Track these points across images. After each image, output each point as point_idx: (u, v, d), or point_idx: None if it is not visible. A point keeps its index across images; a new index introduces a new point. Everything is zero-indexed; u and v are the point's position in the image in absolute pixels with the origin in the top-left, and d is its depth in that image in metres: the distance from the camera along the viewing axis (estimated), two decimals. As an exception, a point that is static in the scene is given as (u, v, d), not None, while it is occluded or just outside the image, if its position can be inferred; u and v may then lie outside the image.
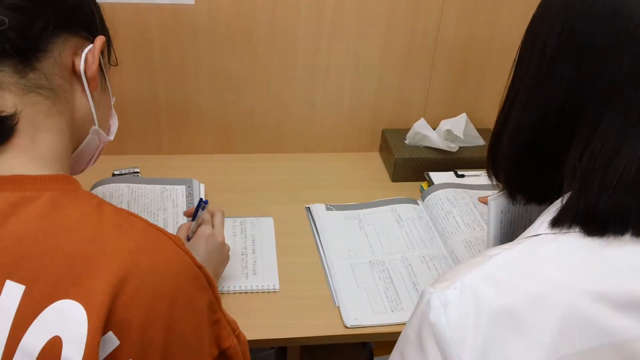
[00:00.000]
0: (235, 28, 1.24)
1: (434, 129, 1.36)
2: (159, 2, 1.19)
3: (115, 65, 0.78)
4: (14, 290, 0.53)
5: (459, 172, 1.31)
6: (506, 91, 0.68)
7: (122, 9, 1.15)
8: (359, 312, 0.99)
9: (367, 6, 1.26)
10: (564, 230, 0.58)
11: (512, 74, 0.67)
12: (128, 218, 0.61)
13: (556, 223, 0.59)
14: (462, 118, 1.38)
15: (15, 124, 0.62)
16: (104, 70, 0.75)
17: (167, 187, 1.22)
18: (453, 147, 1.33)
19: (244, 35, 1.26)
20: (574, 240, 0.57)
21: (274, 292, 1.02)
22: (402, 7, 1.27)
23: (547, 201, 0.68)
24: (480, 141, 1.38)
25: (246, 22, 1.24)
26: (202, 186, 1.24)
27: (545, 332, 0.53)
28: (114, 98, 0.80)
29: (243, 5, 1.22)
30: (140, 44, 1.22)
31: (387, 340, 1.04)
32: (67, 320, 0.53)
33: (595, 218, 0.56)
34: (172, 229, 1.11)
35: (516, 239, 0.62)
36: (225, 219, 1.13)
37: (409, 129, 1.37)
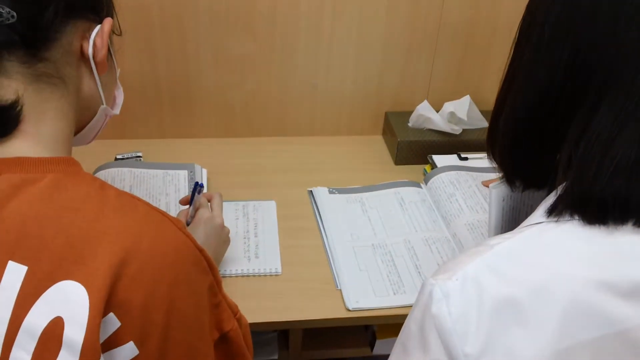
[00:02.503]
0: (236, 9, 1.23)
1: (438, 112, 1.35)
2: (159, -16, 1.18)
3: (119, 34, 0.78)
4: (17, 271, 0.54)
5: (462, 155, 1.30)
6: (505, 72, 0.66)
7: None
8: (361, 295, 0.99)
9: (370, -13, 1.25)
10: (566, 219, 0.57)
11: (511, 54, 0.66)
12: (130, 200, 0.62)
13: (552, 211, 0.58)
14: (466, 100, 1.37)
15: (19, 110, 0.62)
16: (110, 44, 0.74)
17: (170, 171, 1.22)
18: (456, 129, 1.33)
19: (245, 17, 1.24)
20: (575, 229, 0.56)
21: (276, 275, 1.02)
22: (405, -12, 1.26)
23: (545, 186, 0.67)
24: (484, 123, 1.37)
25: (247, 4, 1.23)
26: (205, 171, 1.24)
27: (548, 322, 0.52)
28: (119, 70, 0.80)
29: (244, -14, 1.21)
30: (141, 27, 1.22)
31: (389, 323, 1.04)
32: (69, 300, 0.53)
33: (592, 205, 0.55)
34: (173, 214, 1.11)
35: (517, 228, 0.61)
36: (227, 202, 1.14)
37: (412, 112, 1.36)
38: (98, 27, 0.69)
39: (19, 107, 0.62)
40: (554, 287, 0.53)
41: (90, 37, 0.68)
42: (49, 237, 0.55)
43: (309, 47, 1.31)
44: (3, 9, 0.59)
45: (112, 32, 0.74)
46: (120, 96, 0.82)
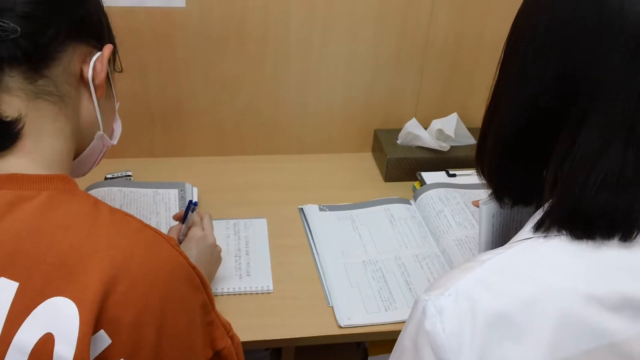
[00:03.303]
0: (226, 30, 1.25)
1: (426, 129, 1.36)
2: (149, 4, 1.19)
3: (119, 71, 0.79)
4: (8, 287, 0.54)
5: (451, 172, 1.31)
6: (492, 90, 0.67)
7: (113, 12, 1.15)
8: (353, 311, 0.99)
9: (358, 7, 1.27)
10: (553, 234, 0.58)
11: (497, 72, 0.67)
12: (123, 217, 0.62)
13: (539, 227, 0.59)
14: (453, 117, 1.38)
15: (21, 128, 0.63)
16: (110, 76, 0.76)
17: (160, 190, 1.22)
18: (444, 146, 1.34)
19: (236, 37, 1.26)
20: (563, 244, 0.57)
21: (268, 293, 1.03)
22: (393, 8, 1.28)
23: (533, 203, 0.68)
24: (472, 140, 1.39)
25: (237, 24, 1.24)
26: (195, 189, 1.24)
27: (541, 336, 0.53)
28: (118, 103, 0.81)
29: (234, 6, 1.23)
30: (132, 47, 1.22)
31: (381, 340, 1.04)
32: (60, 317, 0.53)
33: (579, 221, 0.56)
34: (164, 232, 1.11)
35: (507, 243, 0.62)
36: (218, 220, 1.14)
37: (401, 129, 1.37)
38: (99, 53, 0.71)
39: (20, 125, 0.63)
40: (544, 302, 0.54)
41: (90, 61, 0.70)
42: (41, 254, 0.55)
43: (299, 66, 1.32)
44: (7, 25, 0.61)
45: (114, 69, 0.75)
46: (118, 128, 0.83)
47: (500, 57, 0.66)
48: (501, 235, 0.82)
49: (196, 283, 0.63)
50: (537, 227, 0.59)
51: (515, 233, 0.64)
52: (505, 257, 0.59)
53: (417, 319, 0.57)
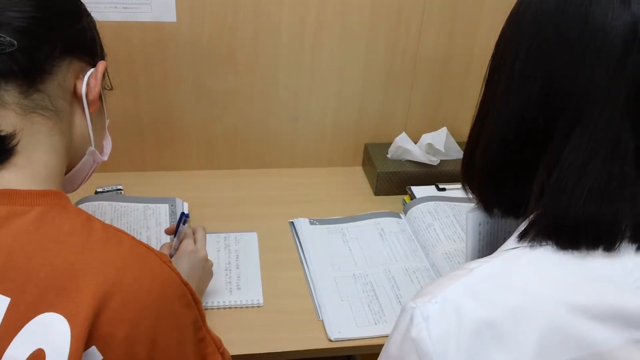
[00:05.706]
0: (217, 44, 1.25)
1: (416, 143, 1.38)
2: (141, 19, 1.20)
3: (110, 89, 0.80)
4: (0, 302, 0.54)
5: (440, 186, 1.32)
6: (478, 106, 0.68)
7: (104, 27, 1.16)
8: (343, 325, 0.99)
9: (348, 24, 1.28)
10: (539, 244, 0.58)
11: (483, 89, 0.67)
12: (116, 234, 0.62)
13: (523, 237, 0.60)
14: (443, 132, 1.40)
15: (16, 144, 0.63)
16: (101, 93, 0.76)
17: (150, 205, 1.22)
18: (434, 160, 1.35)
19: (227, 52, 1.27)
20: (549, 254, 0.58)
21: (258, 307, 1.03)
22: (383, 25, 1.30)
23: (523, 215, 0.68)
24: (461, 154, 1.38)
25: (228, 39, 1.25)
26: (186, 204, 1.25)
27: (526, 345, 0.53)
28: (108, 120, 0.82)
29: (225, 21, 1.24)
30: (123, 61, 1.23)
31: (371, 353, 1.04)
32: (51, 333, 0.54)
33: (565, 231, 0.57)
34: (155, 247, 1.11)
35: (495, 252, 0.63)
36: (209, 234, 1.14)
37: (391, 143, 1.38)
38: (92, 69, 0.72)
39: (15, 141, 0.63)
40: (530, 310, 0.55)
41: (84, 77, 0.70)
42: (34, 269, 0.55)
43: (290, 81, 1.33)
44: (4, 39, 0.61)
45: (103, 87, 0.76)
46: (108, 145, 0.83)
47: (485, 74, 0.67)
48: (489, 244, 0.83)
49: (188, 300, 0.63)
50: (522, 237, 0.60)
51: (503, 242, 0.64)
52: (492, 266, 0.59)
53: (403, 326, 0.58)
